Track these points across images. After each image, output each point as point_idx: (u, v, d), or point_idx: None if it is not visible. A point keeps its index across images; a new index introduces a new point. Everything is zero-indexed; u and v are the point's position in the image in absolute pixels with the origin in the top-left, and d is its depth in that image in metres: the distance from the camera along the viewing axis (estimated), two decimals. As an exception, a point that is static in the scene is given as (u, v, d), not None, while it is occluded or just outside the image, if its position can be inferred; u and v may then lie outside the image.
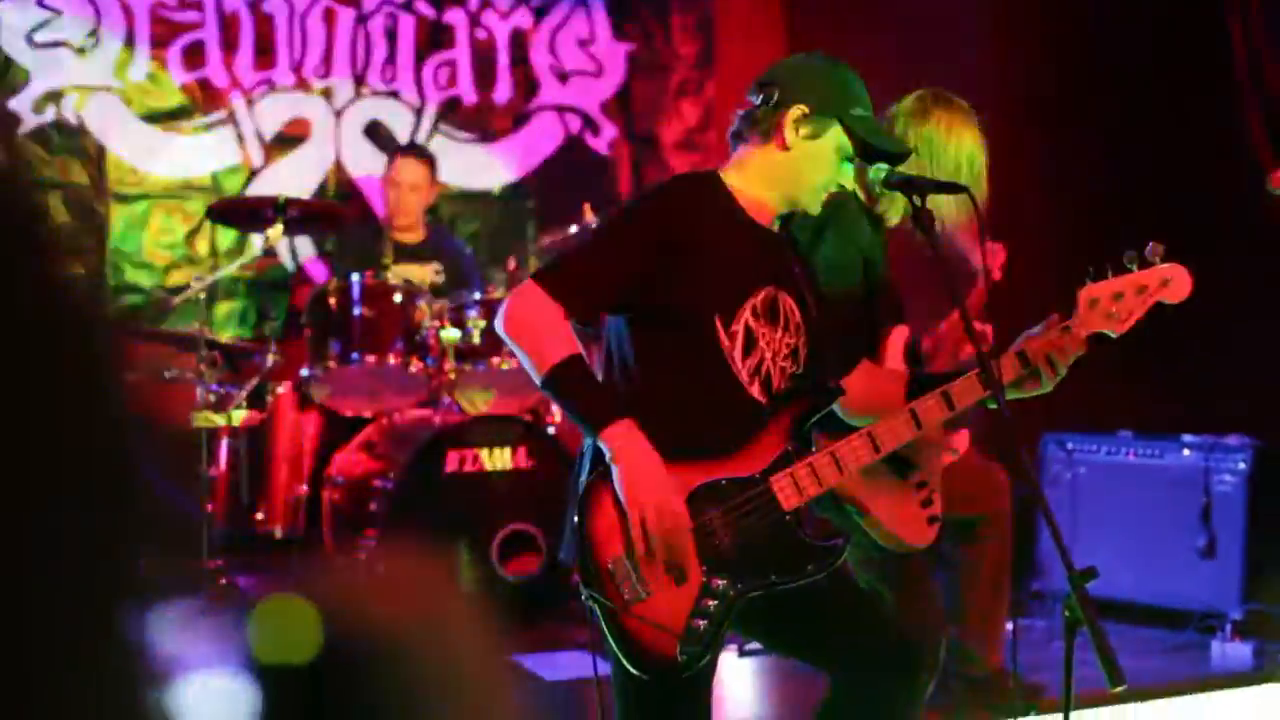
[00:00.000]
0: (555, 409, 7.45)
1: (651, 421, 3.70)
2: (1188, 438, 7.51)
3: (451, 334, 7.26)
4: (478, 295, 7.41)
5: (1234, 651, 6.74)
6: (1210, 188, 7.66)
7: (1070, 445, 7.75)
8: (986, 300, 5.44)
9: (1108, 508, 7.53)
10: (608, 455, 3.68)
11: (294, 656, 1.15)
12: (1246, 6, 7.75)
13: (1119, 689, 3.43)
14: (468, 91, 8.94)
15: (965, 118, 4.92)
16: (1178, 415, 7.74)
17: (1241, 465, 7.30)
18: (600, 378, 3.85)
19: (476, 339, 7.33)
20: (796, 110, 3.88)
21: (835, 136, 3.89)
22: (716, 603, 3.74)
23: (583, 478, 3.75)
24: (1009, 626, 5.96)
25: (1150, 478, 7.54)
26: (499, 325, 3.77)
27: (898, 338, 4.85)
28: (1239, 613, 7.06)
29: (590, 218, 7.66)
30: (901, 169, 4.01)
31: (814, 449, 3.92)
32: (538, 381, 3.72)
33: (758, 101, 3.94)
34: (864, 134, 3.91)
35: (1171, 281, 4.03)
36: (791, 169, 3.90)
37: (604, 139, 9.08)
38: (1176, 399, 8.01)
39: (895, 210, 4.68)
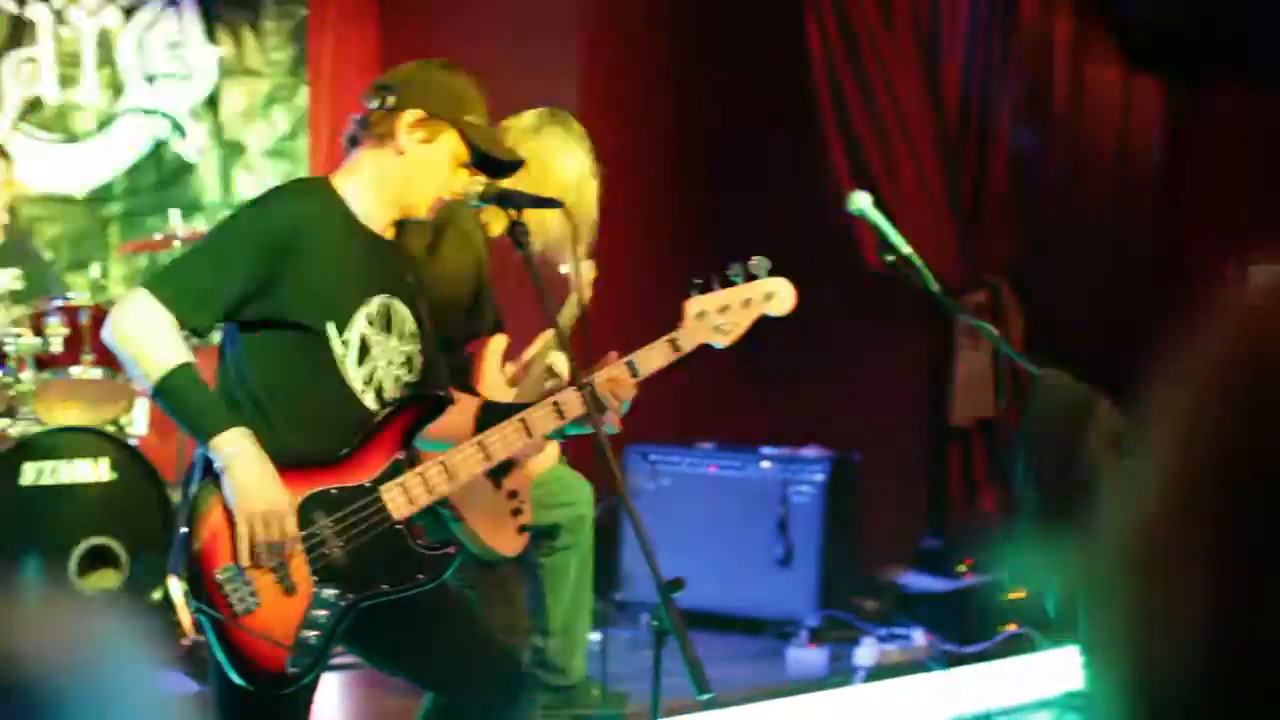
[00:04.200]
0: (139, 420, 7.27)
1: (264, 430, 3.68)
2: (767, 450, 7.73)
3: (30, 342, 6.99)
4: (59, 303, 7.15)
5: (810, 657, 6.96)
6: (796, 207, 7.90)
7: (653, 457, 7.87)
8: (580, 320, 5.50)
9: (690, 519, 7.66)
10: (217, 464, 3.63)
11: None
12: (827, 34, 8.04)
13: (706, 697, 3.52)
14: (51, 90, 8.65)
15: (580, 140, 5.00)
16: (758, 427, 7.97)
17: (818, 477, 7.56)
18: (215, 385, 3.79)
19: (57, 348, 7.06)
20: (412, 114, 3.88)
21: (450, 142, 3.90)
22: (327, 613, 3.72)
23: (192, 487, 3.69)
24: (594, 636, 6.06)
25: (731, 489, 7.72)
26: (106, 333, 3.69)
27: (496, 347, 4.89)
28: (815, 619, 7.30)
29: (177, 224, 7.48)
30: (511, 184, 4.04)
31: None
32: (148, 390, 3.65)
33: (374, 105, 3.93)
34: (479, 141, 3.94)
35: (775, 295, 4.13)
36: (405, 174, 3.89)
37: (192, 144, 8.88)
38: (757, 411, 8.25)
39: (499, 222, 4.70)
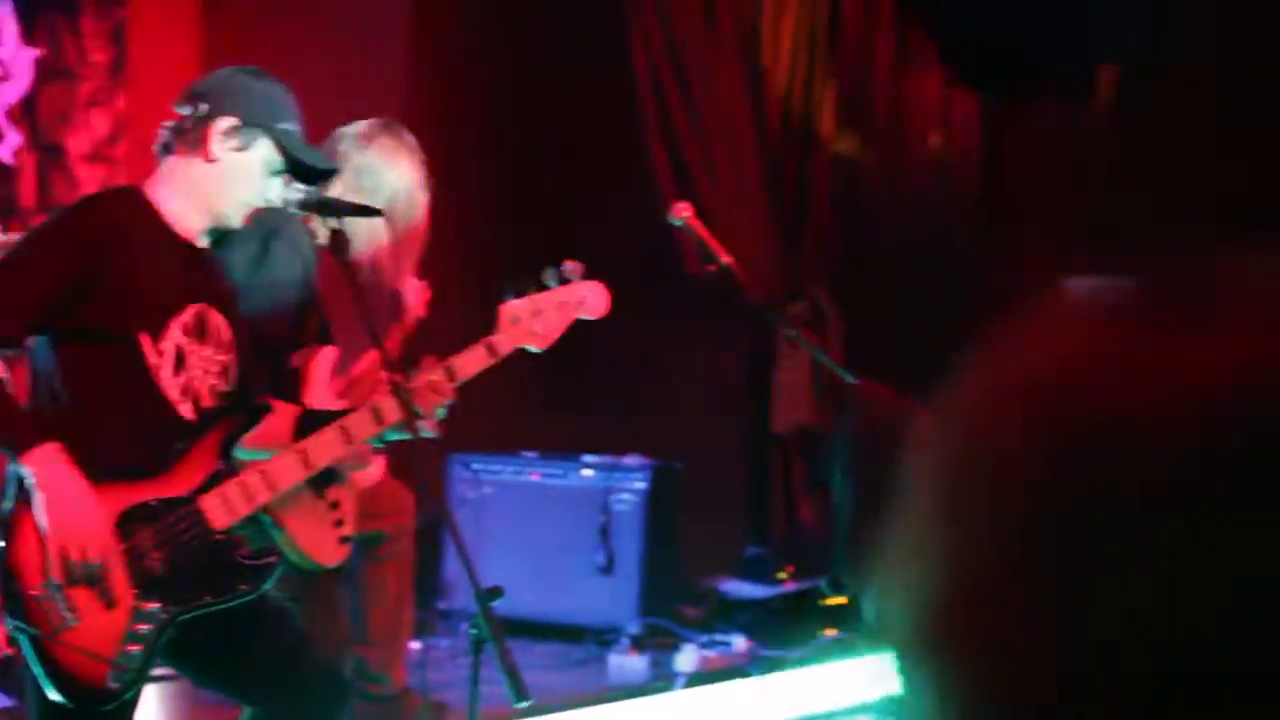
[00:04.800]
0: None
1: (79, 443, 3.62)
2: (589, 458, 7.75)
3: None
4: None
5: (631, 664, 6.99)
6: (620, 214, 7.93)
7: (476, 465, 7.85)
8: (409, 331, 5.49)
9: (513, 527, 7.66)
10: (29, 481, 3.58)
11: None
12: (650, 44, 8.09)
13: (524, 704, 3.53)
14: None
15: (411, 151, 5.00)
16: (579, 435, 7.98)
17: (639, 485, 7.59)
18: (28, 399, 3.74)
19: None
20: (225, 122, 3.85)
21: (263, 150, 3.88)
22: (149, 626, 3.68)
23: (5, 503, 3.63)
24: (415, 645, 6.04)
25: (553, 497, 7.73)
26: None
27: (324, 359, 4.86)
28: (636, 627, 7.33)
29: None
30: (342, 194, 4.03)
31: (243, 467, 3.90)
32: None
33: (186, 112, 3.89)
34: (292, 149, 3.91)
35: (589, 299, 4.17)
36: (217, 181, 3.86)
37: (7, 147, 8.72)
38: (580, 420, 8.26)
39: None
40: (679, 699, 6.55)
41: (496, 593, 3.59)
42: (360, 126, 4.98)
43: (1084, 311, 0.80)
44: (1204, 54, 8.96)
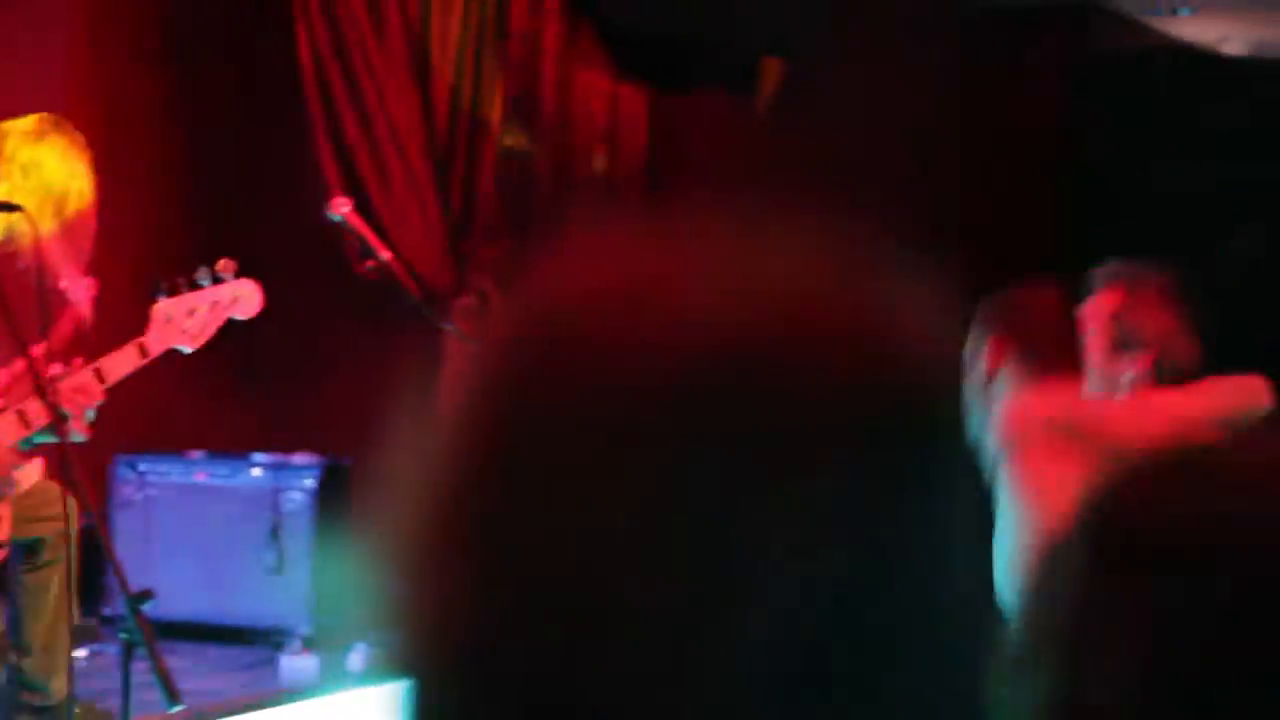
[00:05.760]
0: None
1: None
2: (258, 457, 7.67)
3: None
4: None
5: (302, 665, 6.94)
6: (289, 211, 7.85)
7: (142, 467, 7.71)
8: (78, 328, 5.36)
9: (183, 529, 7.54)
10: None
11: None
12: (316, 40, 8.02)
13: (177, 709, 3.49)
14: None
15: (80, 150, 4.89)
16: (250, 434, 7.88)
17: (309, 483, 7.53)
18: None
19: None
20: None
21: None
22: None
23: None
24: (81, 653, 5.90)
25: (222, 498, 7.63)
26: None
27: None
28: (307, 627, 7.27)
29: None
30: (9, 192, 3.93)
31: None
32: None
33: None
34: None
35: (242, 298, 4.14)
36: None
37: None
38: (249, 418, 8.16)
39: None
40: (349, 699, 6.51)
41: (146, 595, 3.52)
42: (27, 123, 4.85)
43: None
44: (861, 51, 9.23)
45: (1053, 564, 1.05)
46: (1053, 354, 3.94)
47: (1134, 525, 1.03)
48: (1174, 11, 10.66)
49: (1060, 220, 8.66)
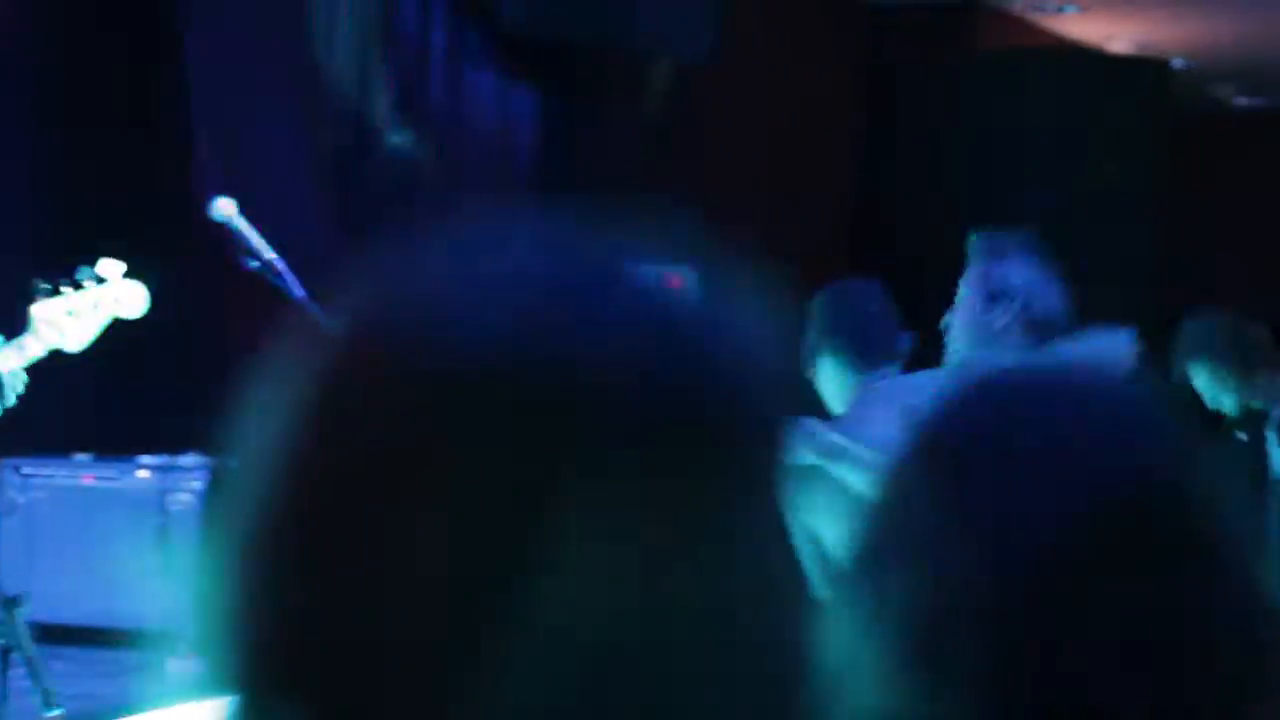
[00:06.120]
0: None
1: None
2: (145, 458, 7.60)
3: None
4: None
5: (190, 667, 6.88)
6: (177, 209, 7.80)
7: (26, 470, 7.62)
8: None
9: (69, 532, 7.46)
10: None
11: None
12: (203, 37, 7.99)
13: (54, 713, 3.47)
14: None
15: None
16: (137, 435, 7.82)
17: (196, 484, 7.47)
18: None
19: None
20: None
21: None
22: None
23: None
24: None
25: (109, 500, 7.56)
26: None
27: None
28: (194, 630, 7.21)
29: None
30: None
31: None
32: None
33: None
34: None
35: (125, 298, 4.10)
36: None
37: None
38: (136, 419, 8.09)
39: None
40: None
41: (20, 600, 3.50)
42: None
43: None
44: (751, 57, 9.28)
45: (896, 472, 1.09)
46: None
47: (968, 431, 1.08)
48: (1060, 10, 10.83)
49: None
